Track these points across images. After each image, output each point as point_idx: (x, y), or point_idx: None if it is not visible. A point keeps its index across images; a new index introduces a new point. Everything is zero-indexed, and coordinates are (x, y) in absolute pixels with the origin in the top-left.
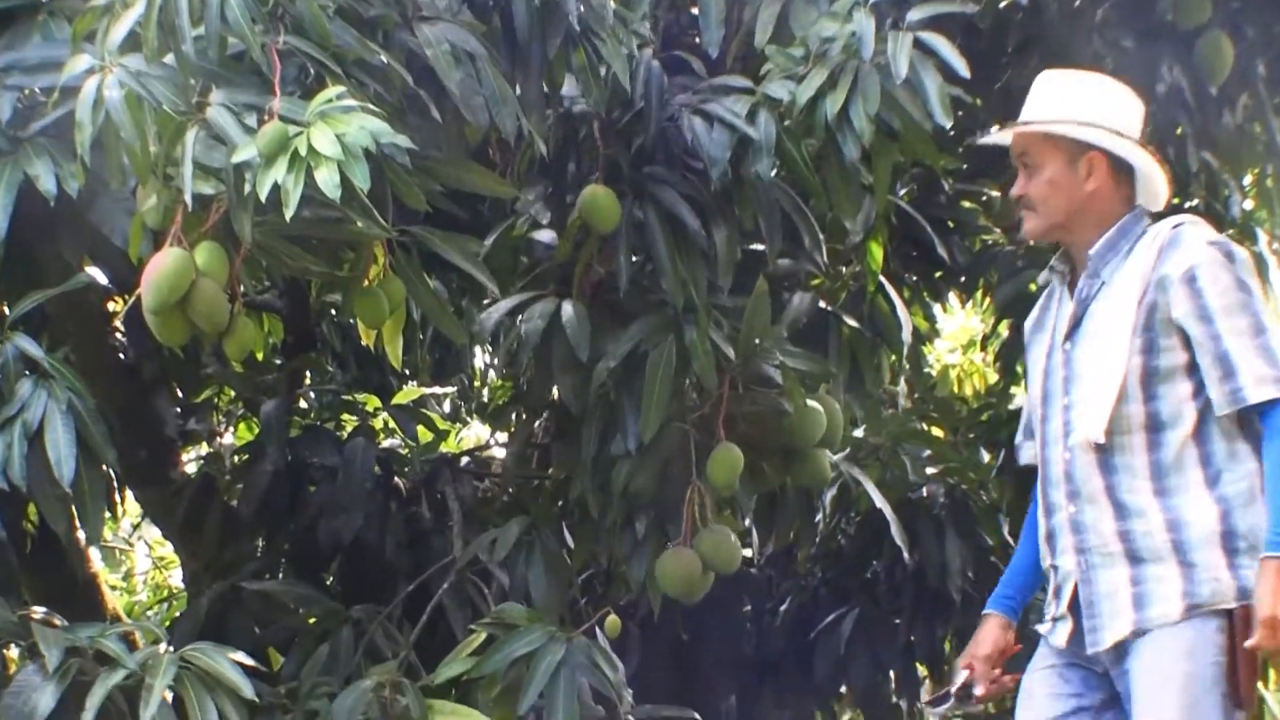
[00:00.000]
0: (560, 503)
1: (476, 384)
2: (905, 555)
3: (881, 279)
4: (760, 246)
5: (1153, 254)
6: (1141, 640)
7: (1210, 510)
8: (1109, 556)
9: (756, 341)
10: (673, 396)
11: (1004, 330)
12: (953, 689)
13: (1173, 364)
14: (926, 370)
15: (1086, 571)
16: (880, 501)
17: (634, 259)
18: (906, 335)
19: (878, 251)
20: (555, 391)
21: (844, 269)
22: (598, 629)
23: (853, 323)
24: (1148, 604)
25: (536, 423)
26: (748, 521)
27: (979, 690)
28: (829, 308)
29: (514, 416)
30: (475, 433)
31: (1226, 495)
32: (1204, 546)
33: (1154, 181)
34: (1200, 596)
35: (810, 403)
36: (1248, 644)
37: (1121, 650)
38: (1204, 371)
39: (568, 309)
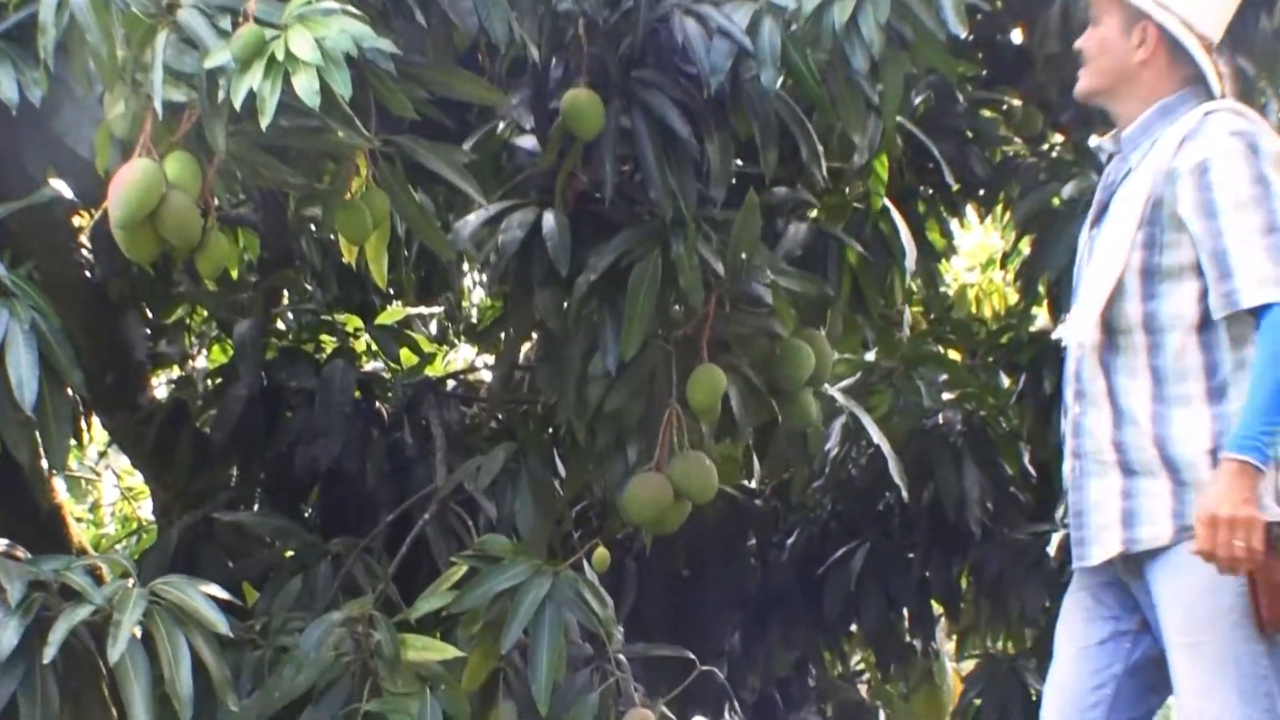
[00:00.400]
0: (550, 429)
1: (464, 303)
2: (904, 494)
3: (886, 201)
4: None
5: (1174, 142)
6: (1154, 565)
7: (1206, 425)
8: (1103, 465)
9: (745, 258)
10: (657, 314)
11: (1025, 247)
12: None
13: (1177, 262)
14: (943, 290)
15: (1079, 478)
16: (879, 437)
17: (621, 168)
18: (910, 261)
19: (882, 170)
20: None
21: (847, 189)
22: (586, 563)
23: (856, 246)
24: (1137, 522)
25: (525, 344)
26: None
27: None
28: (829, 231)
29: (502, 337)
30: (463, 355)
31: (1227, 412)
32: (1196, 464)
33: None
34: (1190, 519)
35: (796, 341)
36: (1194, 549)
37: (1131, 568)
38: (1205, 271)
39: (548, 219)
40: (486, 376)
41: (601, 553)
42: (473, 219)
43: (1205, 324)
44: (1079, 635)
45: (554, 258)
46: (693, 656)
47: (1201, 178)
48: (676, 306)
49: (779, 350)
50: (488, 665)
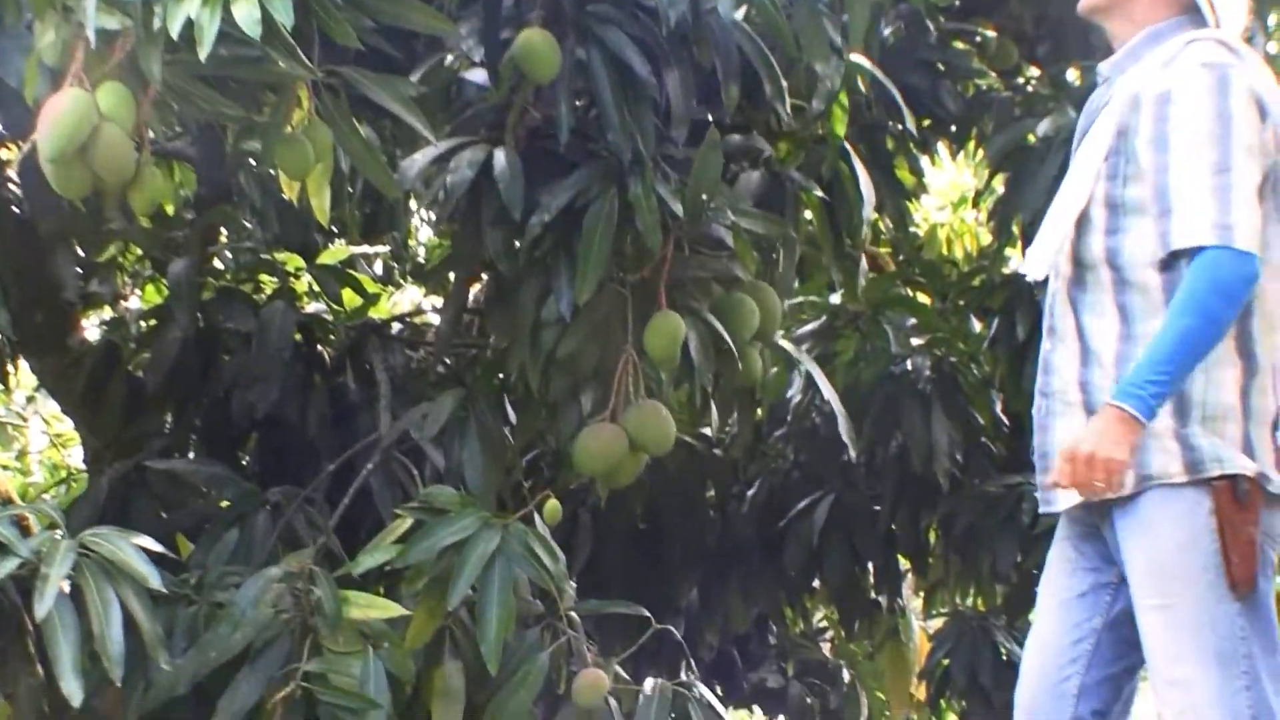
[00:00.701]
0: (500, 375)
1: (411, 242)
2: (852, 454)
3: (845, 143)
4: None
5: (1151, 69)
6: (1121, 518)
7: None
8: (1068, 406)
9: (706, 199)
10: (613, 257)
11: (999, 185)
12: None
13: (1139, 196)
14: (912, 230)
15: (1045, 418)
16: (830, 394)
17: (576, 105)
18: (868, 208)
19: (843, 109)
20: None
21: (806, 130)
22: (537, 515)
23: (814, 190)
24: None
25: (475, 285)
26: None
27: None
28: (786, 174)
29: (450, 278)
30: (409, 297)
31: None
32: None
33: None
34: (1148, 467)
35: (740, 296)
36: (1047, 480)
37: (1103, 517)
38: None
39: (499, 158)
40: (434, 319)
41: (553, 505)
42: (420, 157)
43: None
44: (1060, 588)
45: (505, 198)
46: (648, 614)
47: (1161, 108)
48: (633, 249)
49: (722, 305)
50: (433, 623)
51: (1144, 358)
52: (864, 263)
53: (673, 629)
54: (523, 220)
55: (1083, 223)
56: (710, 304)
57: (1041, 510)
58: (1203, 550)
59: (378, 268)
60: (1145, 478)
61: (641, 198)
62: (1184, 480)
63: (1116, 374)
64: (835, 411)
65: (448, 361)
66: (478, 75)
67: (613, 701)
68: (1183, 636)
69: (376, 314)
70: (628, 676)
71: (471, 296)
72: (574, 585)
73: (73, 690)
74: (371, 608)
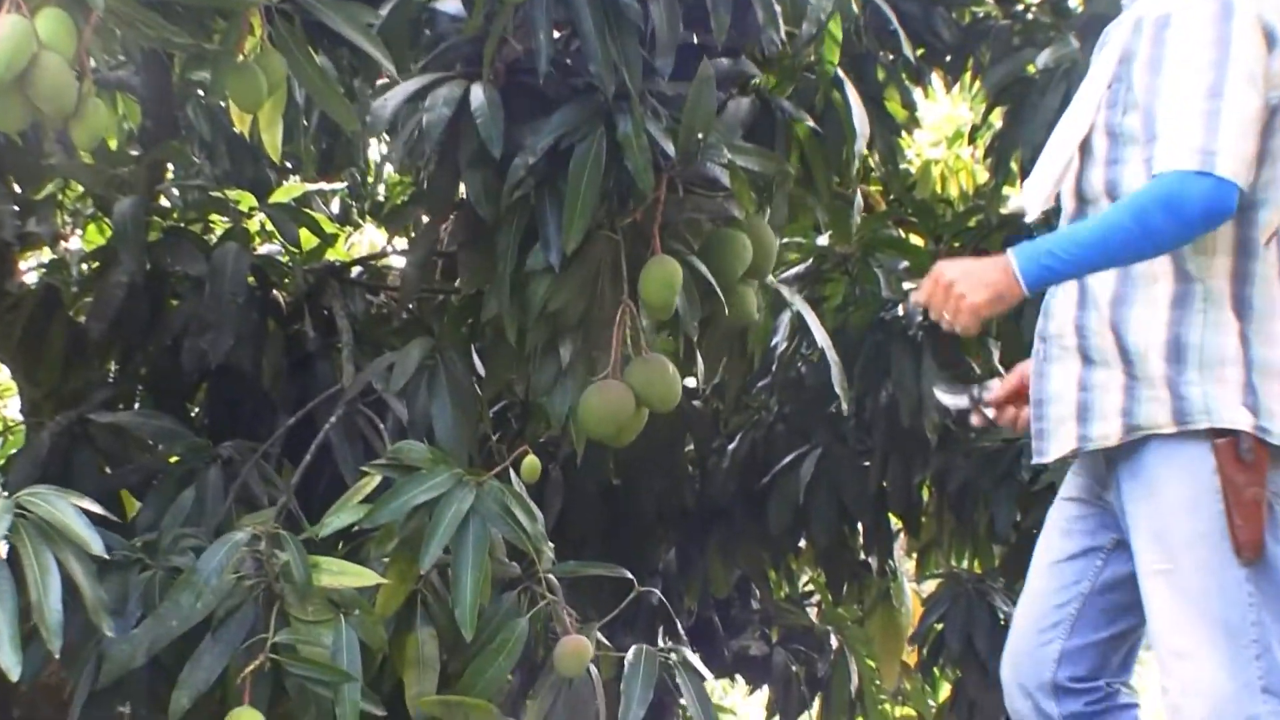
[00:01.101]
0: (470, 322)
1: (370, 179)
2: (844, 406)
3: (839, 71)
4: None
5: None
6: (1122, 475)
7: (1163, 310)
8: (1064, 350)
9: (700, 136)
10: (602, 200)
11: (996, 119)
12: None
13: (1135, 129)
14: (904, 167)
15: (1041, 364)
16: (824, 340)
17: (555, 35)
18: (862, 140)
19: (836, 35)
20: (463, 190)
21: (797, 58)
22: (512, 472)
23: (806, 120)
24: (1089, 417)
25: (443, 226)
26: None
27: (991, 394)
28: (776, 103)
29: (415, 218)
30: (369, 238)
31: (1194, 296)
32: (1149, 356)
33: None
34: (1136, 417)
35: (731, 230)
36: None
37: (1103, 472)
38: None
39: (477, 94)
40: (398, 262)
41: (531, 461)
42: (392, 96)
43: None
44: (1053, 548)
45: (484, 136)
46: (630, 576)
47: (1159, 31)
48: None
49: (713, 240)
50: (404, 588)
51: (1064, 232)
52: (859, 200)
53: (655, 591)
54: (503, 161)
55: (1085, 154)
56: (699, 242)
57: (1034, 461)
58: (1206, 512)
59: (335, 206)
60: (1133, 427)
61: (631, 136)
62: (1172, 431)
63: (1112, 316)
64: (826, 359)
65: (412, 307)
66: (450, 5)
67: (594, 669)
68: (1187, 604)
69: (335, 256)
70: (610, 645)
71: (440, 238)
72: (551, 546)
73: (9, 664)
74: (344, 574)
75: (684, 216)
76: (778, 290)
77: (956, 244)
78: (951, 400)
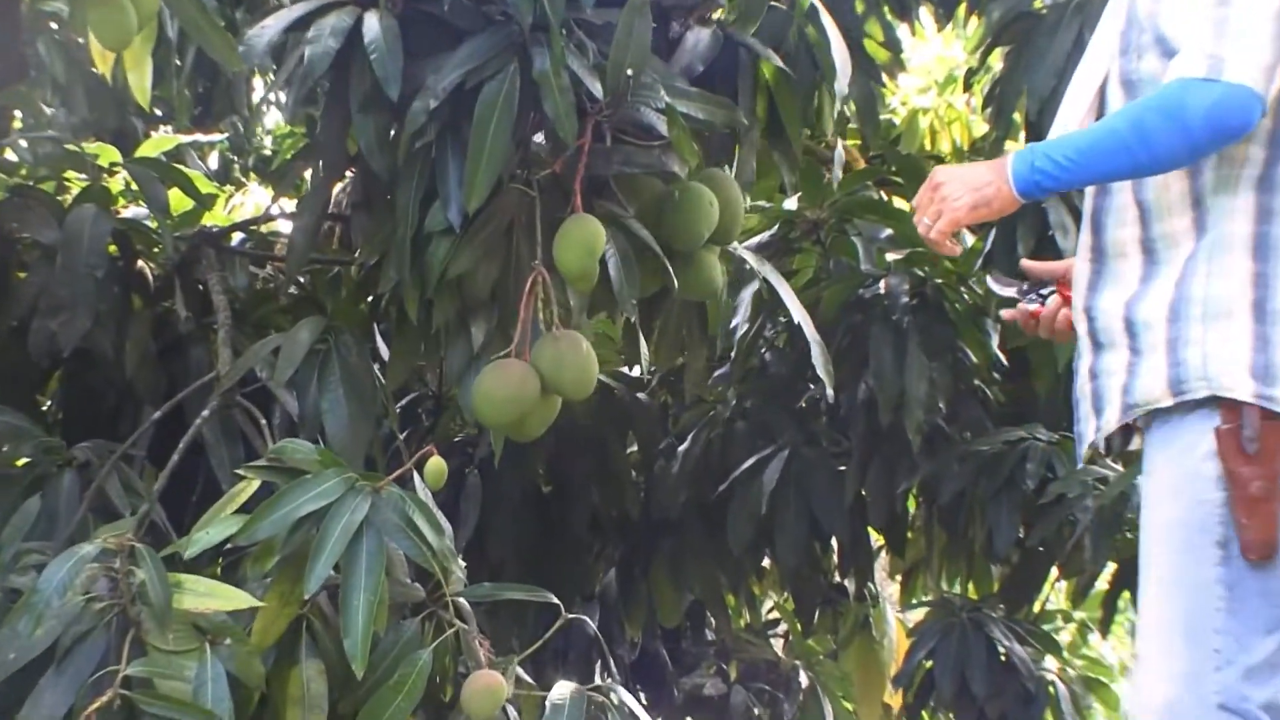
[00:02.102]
0: (370, 298)
1: (256, 130)
2: (830, 393)
3: (815, 2)
4: None
5: None
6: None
7: (1175, 269)
8: (1081, 340)
9: (632, 75)
10: (516, 149)
11: (996, 62)
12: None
13: (1151, 70)
14: (886, 118)
15: (1078, 347)
16: (800, 314)
17: None
18: (843, 80)
19: None
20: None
21: None
22: (416, 475)
23: (774, 59)
24: (1101, 406)
25: (337, 185)
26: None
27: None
28: (739, 38)
29: (306, 176)
30: (255, 199)
31: (1203, 248)
32: (1154, 326)
33: None
34: (1133, 393)
35: (694, 184)
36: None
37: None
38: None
39: (371, 24)
40: (285, 228)
41: (436, 463)
42: (270, 24)
43: None
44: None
45: (379, 75)
46: (557, 601)
47: None
48: (540, 139)
49: (673, 197)
50: (287, 613)
51: (1064, 136)
52: (840, 153)
53: (587, 620)
54: (401, 103)
55: (1102, 109)
56: (651, 198)
57: (1079, 450)
58: (1188, 498)
59: (213, 161)
60: (1129, 406)
61: (549, 74)
62: (1170, 404)
63: (1125, 295)
64: (793, 344)
65: (302, 281)
66: None
67: (512, 710)
68: (1152, 603)
69: (213, 221)
70: (530, 679)
71: (334, 199)
72: (462, 565)
73: None
74: (212, 596)
75: (613, 170)
76: (741, 259)
77: None
78: (999, 287)
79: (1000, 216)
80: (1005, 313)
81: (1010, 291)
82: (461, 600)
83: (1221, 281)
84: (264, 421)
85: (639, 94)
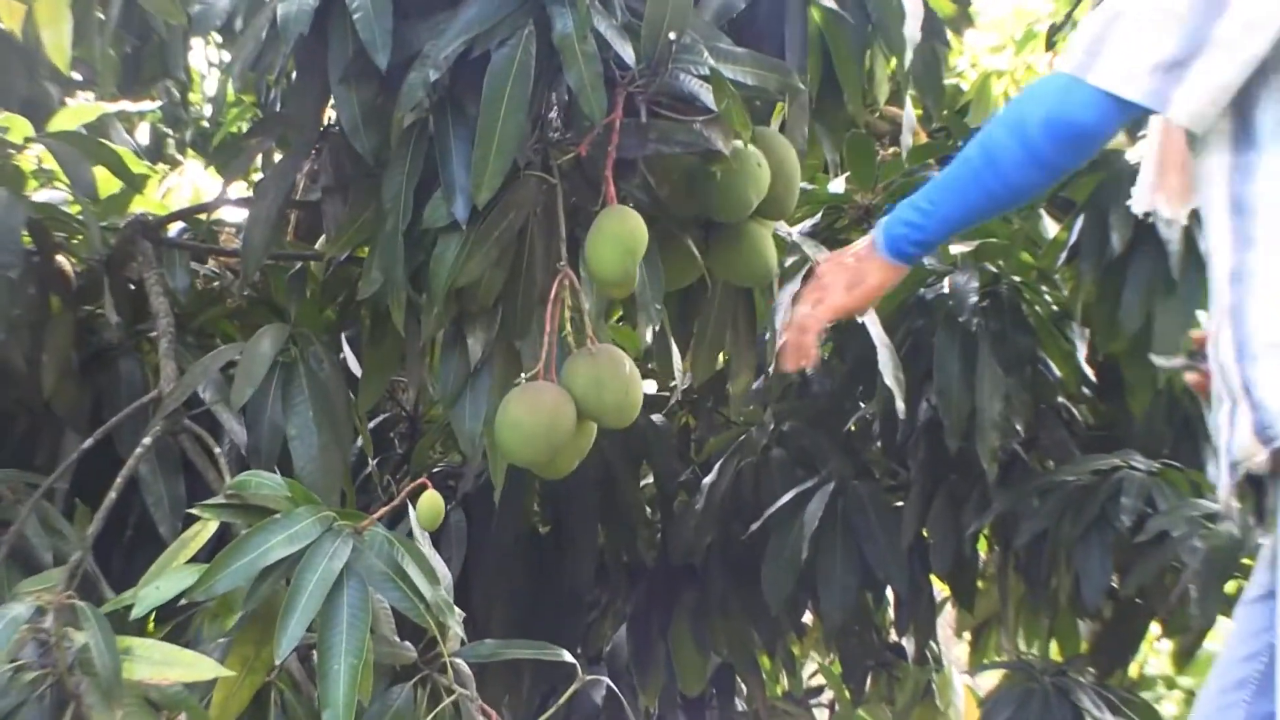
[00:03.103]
0: (340, 301)
1: (196, 99)
2: (899, 407)
3: None
4: None
5: None
6: None
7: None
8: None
9: (672, 37)
10: (532, 129)
11: (1083, 15)
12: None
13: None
14: (952, 82)
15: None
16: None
17: None
18: (913, 26)
19: None
20: (333, 116)
21: None
22: (411, 513)
23: (828, 3)
24: (1219, 463)
25: (303, 165)
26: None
27: None
28: None
29: (261, 155)
30: (195, 181)
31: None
32: (1228, 364)
33: None
34: (1233, 450)
35: (746, 147)
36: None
37: None
38: None
39: None
40: (234, 215)
41: (431, 499)
42: None
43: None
44: (1247, 586)
45: (365, 40)
46: (571, 659)
47: None
48: (556, 116)
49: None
50: (252, 682)
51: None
52: (909, 115)
53: (609, 683)
54: (391, 73)
55: None
56: (681, 174)
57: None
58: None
59: (144, 135)
60: (1232, 465)
61: (573, 38)
62: (1264, 461)
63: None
64: (838, 353)
65: (259, 280)
66: None
67: None
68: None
69: (146, 207)
70: None
71: (300, 182)
72: (461, 617)
73: None
74: (170, 664)
75: (648, 150)
76: (795, 245)
77: None
78: (1164, 360)
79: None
80: (1188, 378)
81: (1176, 363)
82: (460, 662)
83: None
84: (217, 450)
85: (679, 58)
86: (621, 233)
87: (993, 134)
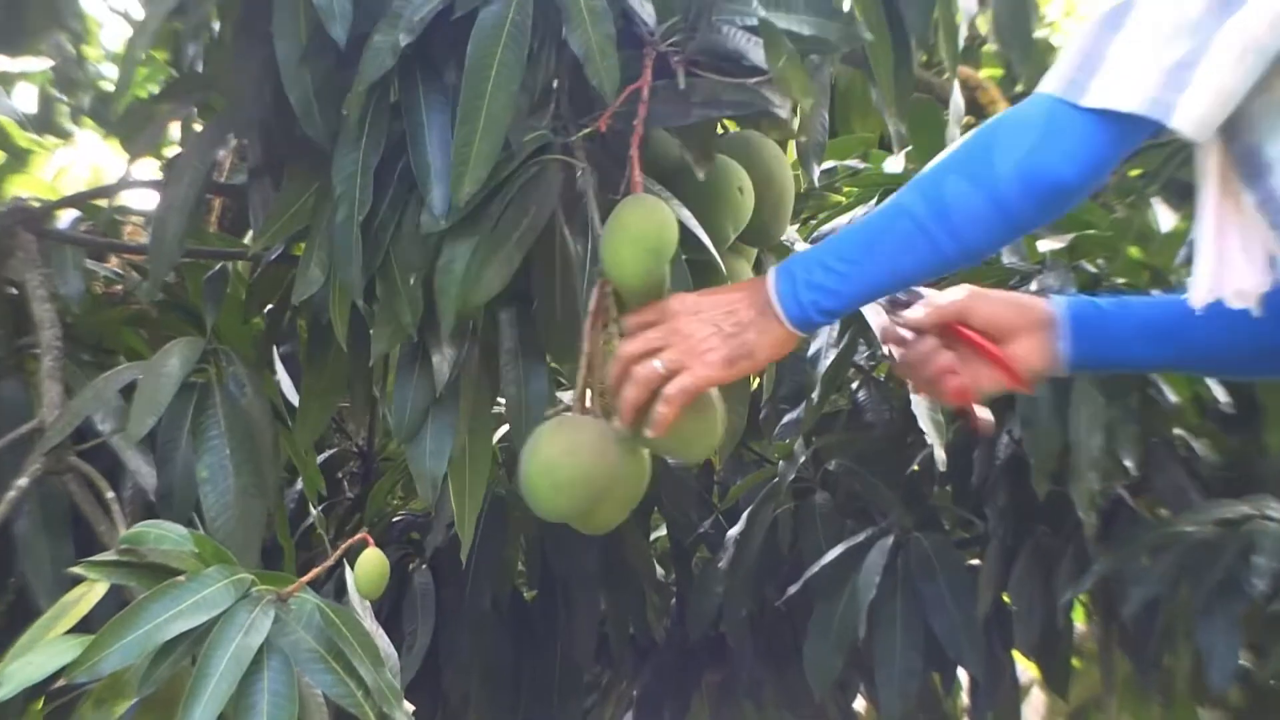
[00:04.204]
0: (272, 308)
1: (94, 55)
2: (937, 455)
3: None
4: None
5: None
6: None
7: None
8: None
9: None
10: (540, 103)
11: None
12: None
13: None
14: (1039, 37)
15: None
16: None
17: None
18: None
19: None
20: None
21: None
22: (348, 572)
23: None
24: None
25: (229, 138)
26: None
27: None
28: None
29: (181, 125)
30: (90, 157)
31: None
32: None
33: None
34: None
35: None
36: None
37: None
38: None
39: None
40: (144, 203)
41: (373, 558)
42: None
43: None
44: None
45: (321, 8)
46: None
47: None
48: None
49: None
50: None
51: (843, 232)
52: (956, 96)
53: None
54: (355, 39)
55: None
56: (668, 169)
57: None
58: None
59: (28, 101)
60: None
61: None
62: None
63: None
64: (895, 378)
65: (173, 282)
66: None
67: None
68: None
69: (30, 191)
70: None
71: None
72: (410, 710)
73: None
74: None
75: (692, 117)
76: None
77: (1135, 171)
78: (876, 317)
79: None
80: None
81: (884, 318)
82: None
83: None
84: (111, 494)
85: (720, 6)
86: (646, 229)
87: (944, 180)
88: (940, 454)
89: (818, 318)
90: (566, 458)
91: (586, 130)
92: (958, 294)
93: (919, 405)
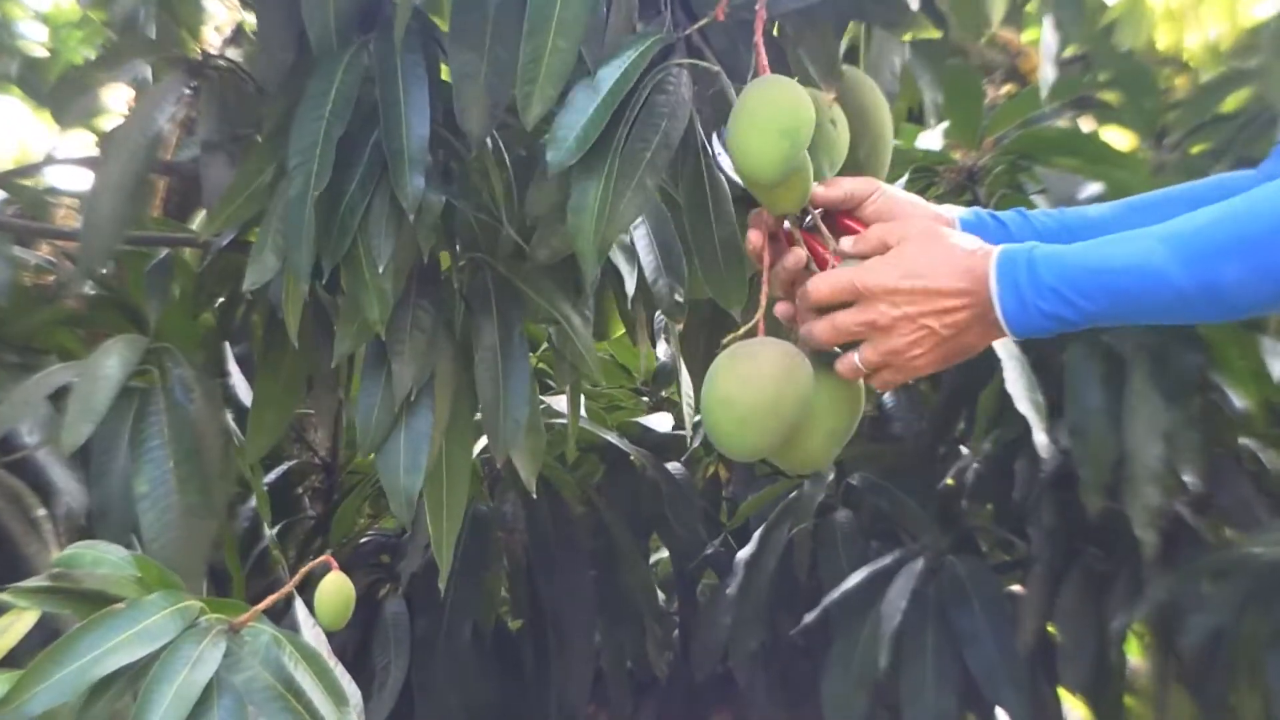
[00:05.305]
0: (224, 302)
1: (20, 13)
2: (1039, 440)
3: None
4: None
5: None
6: None
7: None
8: None
9: None
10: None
11: None
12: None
13: None
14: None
15: None
16: None
17: None
18: None
19: None
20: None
21: None
22: (298, 605)
23: None
24: None
25: (174, 108)
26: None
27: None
28: None
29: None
30: (15, 131)
31: None
32: None
33: None
34: None
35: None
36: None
37: None
38: None
39: None
40: (74, 181)
41: (336, 584)
42: None
43: None
44: None
45: None
46: None
47: None
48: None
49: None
50: None
51: (1091, 254)
52: (1051, 48)
53: None
54: None
55: None
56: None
57: None
58: None
59: None
60: None
61: None
62: None
63: None
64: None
65: (112, 273)
66: None
67: None
68: None
69: None
70: None
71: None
72: None
73: None
74: None
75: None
76: None
77: (1197, 148)
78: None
79: None
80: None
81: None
82: None
83: None
84: (41, 512)
85: None
86: (777, 109)
87: (1221, 268)
88: (1041, 438)
89: (1044, 334)
90: (745, 386)
91: (703, 21)
92: (859, 184)
93: (1015, 385)
